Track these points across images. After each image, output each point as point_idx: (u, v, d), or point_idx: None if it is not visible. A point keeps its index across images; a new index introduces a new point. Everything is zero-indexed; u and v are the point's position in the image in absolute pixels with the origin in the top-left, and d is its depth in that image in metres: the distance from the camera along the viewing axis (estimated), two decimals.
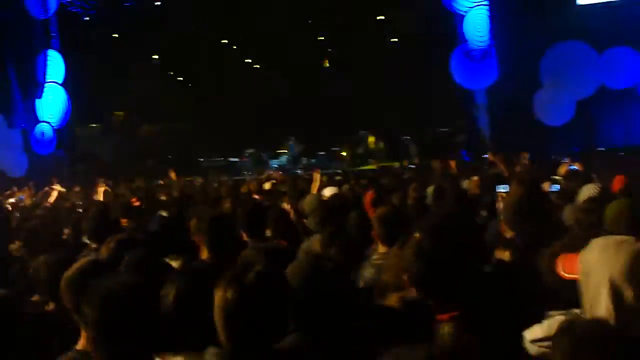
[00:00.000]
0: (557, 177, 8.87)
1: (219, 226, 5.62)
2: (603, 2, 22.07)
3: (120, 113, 30.64)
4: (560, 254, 3.25)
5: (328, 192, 9.65)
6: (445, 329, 3.10)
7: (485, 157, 15.58)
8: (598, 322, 2.62)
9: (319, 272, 3.56)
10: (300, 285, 3.37)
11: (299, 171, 22.87)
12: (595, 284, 2.72)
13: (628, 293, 2.63)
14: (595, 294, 2.72)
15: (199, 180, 20.18)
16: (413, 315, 3.44)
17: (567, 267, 3.10)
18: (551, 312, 3.06)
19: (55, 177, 17.10)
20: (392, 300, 3.67)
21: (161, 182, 17.87)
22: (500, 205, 6.87)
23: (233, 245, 5.52)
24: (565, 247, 3.43)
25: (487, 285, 3.86)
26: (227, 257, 5.07)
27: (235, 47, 30.34)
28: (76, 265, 3.86)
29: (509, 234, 4.76)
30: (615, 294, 2.64)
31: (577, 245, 3.03)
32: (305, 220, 7.56)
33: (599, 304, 2.69)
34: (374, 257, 5.31)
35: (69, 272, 3.77)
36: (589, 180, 7.75)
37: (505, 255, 4.44)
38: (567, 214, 5.80)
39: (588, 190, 6.31)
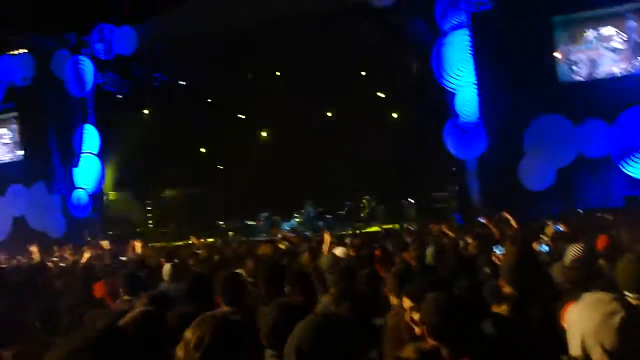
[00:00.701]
0: (544, 238, 8.84)
1: (232, 283, 5.62)
2: (580, 80, 22.23)
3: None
4: (565, 305, 3.27)
5: (339, 252, 9.61)
6: None
7: (478, 220, 15.54)
8: None
9: (326, 328, 3.54)
10: (307, 340, 3.36)
11: (307, 233, 22.73)
12: (572, 337, 2.73)
13: (595, 350, 2.61)
14: (573, 347, 2.72)
15: (217, 241, 20.16)
16: None
17: (563, 317, 3.09)
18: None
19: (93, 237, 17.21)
20: (409, 350, 3.66)
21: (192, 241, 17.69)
22: (497, 263, 6.88)
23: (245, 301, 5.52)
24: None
25: (491, 335, 3.87)
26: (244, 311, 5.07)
27: (248, 119, 30.46)
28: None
29: (507, 290, 4.74)
30: (585, 351, 2.63)
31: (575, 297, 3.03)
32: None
33: (574, 357, 2.69)
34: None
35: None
36: (575, 241, 7.73)
37: (502, 309, 4.43)
38: (556, 272, 5.78)
39: (573, 250, 6.26)
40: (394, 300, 5.31)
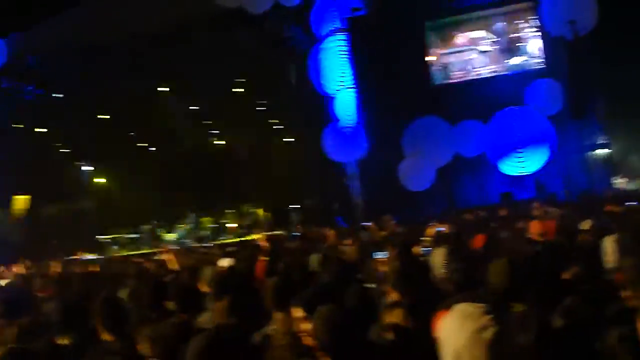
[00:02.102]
0: (425, 239, 8.93)
1: (112, 306, 5.37)
2: (454, 82, 22.78)
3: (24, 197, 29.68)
4: (438, 313, 3.26)
5: (224, 263, 9.47)
6: None
7: (361, 224, 15.71)
8: None
9: (214, 345, 3.49)
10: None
11: (191, 244, 22.44)
12: (444, 351, 2.71)
13: None
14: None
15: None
16: None
17: (434, 327, 3.10)
18: None
19: None
20: None
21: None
22: (379, 269, 6.90)
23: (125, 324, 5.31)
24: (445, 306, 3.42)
25: (385, 344, 3.87)
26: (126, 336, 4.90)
27: (127, 133, 29.85)
28: None
29: (394, 296, 4.74)
30: None
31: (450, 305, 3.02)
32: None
33: None
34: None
35: None
36: (455, 241, 7.85)
37: (394, 316, 4.42)
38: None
39: (438, 254, 6.21)
40: (276, 314, 5.22)
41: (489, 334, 2.58)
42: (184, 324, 4.98)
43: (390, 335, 4.07)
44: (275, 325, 4.97)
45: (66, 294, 8.30)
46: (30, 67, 25.72)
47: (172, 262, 11.08)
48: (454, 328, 2.67)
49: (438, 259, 5.82)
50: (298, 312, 4.21)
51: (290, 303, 4.51)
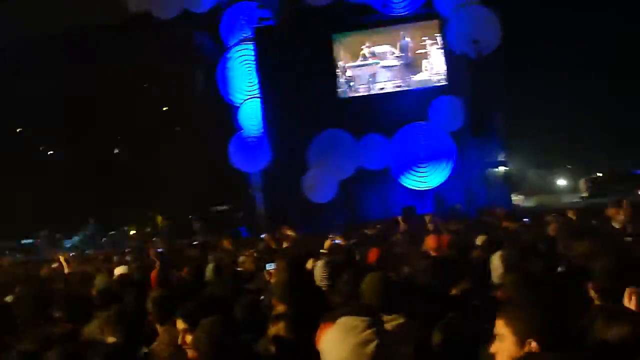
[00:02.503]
0: (323, 251, 8.93)
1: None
2: (359, 95, 22.95)
3: None
4: (322, 325, 3.23)
5: (118, 271, 9.26)
6: None
7: (259, 236, 15.68)
8: None
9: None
10: None
11: (88, 251, 21.96)
12: None
13: None
14: None
15: None
16: None
17: (319, 339, 3.05)
18: None
19: None
20: None
21: None
22: (270, 281, 6.87)
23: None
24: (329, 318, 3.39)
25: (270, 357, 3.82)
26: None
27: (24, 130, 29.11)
28: None
29: (280, 308, 4.70)
30: None
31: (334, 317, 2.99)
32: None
33: None
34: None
35: None
36: (351, 254, 7.87)
37: (278, 328, 4.37)
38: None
39: (318, 267, 6.16)
40: (160, 327, 5.10)
41: (370, 348, 2.56)
42: (65, 335, 4.84)
43: (273, 348, 4.03)
44: (160, 338, 4.87)
45: None
46: None
47: (65, 269, 10.83)
48: (336, 341, 2.64)
49: (322, 270, 5.83)
50: (180, 324, 4.14)
51: (174, 315, 4.43)
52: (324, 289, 5.63)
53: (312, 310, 4.38)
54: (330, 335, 2.70)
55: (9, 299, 7.44)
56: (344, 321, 2.72)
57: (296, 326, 4.25)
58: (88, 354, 3.67)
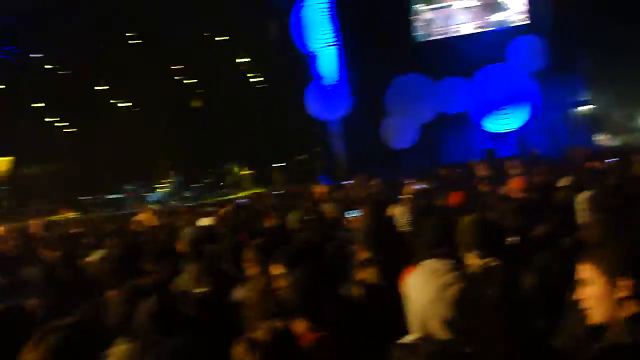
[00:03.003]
0: (404, 197, 8.92)
1: (107, 266, 5.38)
2: (437, 39, 22.65)
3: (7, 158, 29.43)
4: (405, 270, 3.23)
5: (203, 222, 9.43)
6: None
7: (341, 183, 15.69)
8: (436, 343, 2.46)
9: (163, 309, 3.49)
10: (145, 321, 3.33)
11: (173, 204, 22.42)
12: (410, 308, 2.68)
13: (433, 321, 2.57)
14: (411, 318, 2.67)
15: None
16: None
17: (400, 284, 3.05)
18: None
19: None
20: (261, 330, 3.58)
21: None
22: (350, 226, 6.91)
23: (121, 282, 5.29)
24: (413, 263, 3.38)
25: (354, 305, 3.85)
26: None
27: (106, 90, 29.61)
28: None
29: (364, 254, 4.72)
30: (423, 321, 2.59)
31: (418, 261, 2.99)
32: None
33: (412, 327, 2.64)
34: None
35: None
36: (432, 199, 7.84)
37: (364, 273, 4.40)
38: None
39: (399, 212, 6.16)
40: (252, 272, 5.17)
41: (453, 290, 2.56)
42: (156, 285, 4.96)
43: (359, 292, 4.06)
44: (249, 285, 4.95)
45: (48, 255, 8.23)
46: (6, 27, 25.41)
47: (151, 222, 11.06)
48: (420, 284, 2.65)
49: (406, 215, 5.82)
50: (277, 269, 4.16)
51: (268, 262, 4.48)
52: (406, 233, 5.62)
53: (395, 255, 4.39)
54: (413, 278, 2.71)
55: (99, 253, 7.64)
56: (427, 265, 2.73)
57: (381, 271, 4.28)
58: (180, 302, 3.76)
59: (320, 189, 12.63)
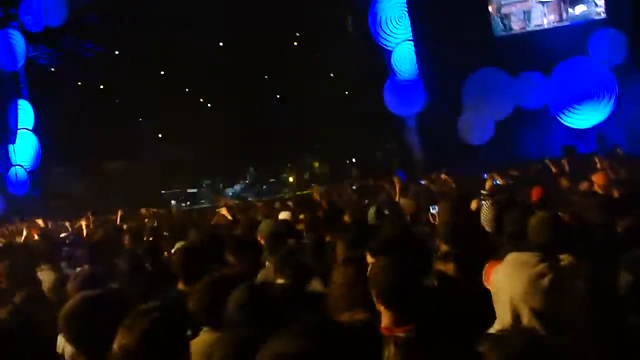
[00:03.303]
0: (484, 193, 8.87)
1: (189, 257, 5.48)
2: (515, 33, 22.35)
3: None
4: (489, 264, 3.22)
5: (282, 216, 9.52)
6: (392, 349, 3.08)
7: (419, 181, 15.63)
8: (529, 334, 2.46)
9: (254, 299, 3.54)
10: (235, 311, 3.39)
11: (250, 198, 22.68)
12: (499, 300, 2.64)
13: (524, 313, 2.53)
14: (500, 310, 2.64)
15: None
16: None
17: (486, 277, 3.03)
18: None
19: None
20: (343, 319, 3.62)
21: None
22: (433, 221, 6.90)
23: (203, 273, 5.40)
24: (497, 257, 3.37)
25: (437, 298, 3.86)
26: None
27: (188, 89, 30.09)
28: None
29: (444, 248, 4.73)
30: (514, 314, 2.55)
31: (501, 256, 2.97)
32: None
33: (502, 320, 2.61)
34: None
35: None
36: (513, 194, 7.77)
37: (447, 267, 4.41)
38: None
39: (485, 206, 6.07)
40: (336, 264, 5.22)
41: (546, 280, 2.54)
42: (239, 276, 5.04)
43: (436, 283, 4.07)
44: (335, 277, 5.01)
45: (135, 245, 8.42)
46: (89, 24, 25.98)
47: (229, 215, 11.20)
48: (509, 276, 2.62)
49: (489, 211, 5.77)
50: (370, 259, 4.17)
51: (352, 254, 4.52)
52: (488, 229, 5.61)
53: (476, 250, 4.39)
54: (502, 271, 2.69)
55: (179, 244, 7.80)
56: (514, 257, 2.71)
57: (460, 265, 4.29)
58: (265, 292, 3.82)
59: (398, 184, 12.59)
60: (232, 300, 3.52)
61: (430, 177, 13.86)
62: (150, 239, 9.67)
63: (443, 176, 13.21)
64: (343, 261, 4.44)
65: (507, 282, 2.61)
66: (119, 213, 14.97)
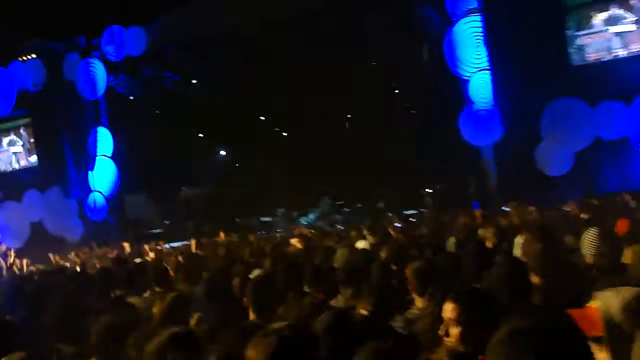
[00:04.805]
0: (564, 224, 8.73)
1: (262, 288, 5.47)
2: (595, 62, 22.01)
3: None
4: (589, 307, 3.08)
5: (360, 245, 9.49)
6: None
7: (501, 209, 15.44)
8: None
9: (340, 325, 3.51)
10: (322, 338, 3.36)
11: (325, 228, 22.67)
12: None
13: None
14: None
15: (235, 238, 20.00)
16: None
17: (587, 322, 2.77)
18: None
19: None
20: (441, 353, 3.55)
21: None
22: (517, 253, 6.77)
23: (275, 304, 5.39)
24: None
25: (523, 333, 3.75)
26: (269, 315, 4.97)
27: (264, 118, 30.48)
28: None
29: (535, 280, 4.62)
30: None
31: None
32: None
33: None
34: (411, 310, 5.16)
35: None
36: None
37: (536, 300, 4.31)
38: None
39: (589, 236, 5.95)
40: (418, 301, 5.16)
41: None
42: (319, 304, 5.02)
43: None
44: (417, 310, 4.94)
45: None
46: (168, 54, 26.50)
47: (304, 244, 11.21)
48: (617, 310, 2.52)
49: (595, 240, 5.63)
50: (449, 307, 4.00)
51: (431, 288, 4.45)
52: (589, 260, 5.43)
53: (567, 282, 4.29)
54: (607, 305, 2.58)
55: (257, 272, 7.82)
56: (620, 291, 2.60)
57: (550, 298, 4.18)
58: (349, 321, 3.78)
59: (476, 214, 12.48)
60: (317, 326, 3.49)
61: (513, 207, 13.63)
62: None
63: (523, 205, 13.01)
64: (431, 294, 4.37)
65: (614, 315, 2.50)
66: (193, 242, 15.06)
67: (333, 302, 5.93)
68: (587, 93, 20.70)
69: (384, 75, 27.37)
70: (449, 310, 3.67)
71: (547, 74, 20.88)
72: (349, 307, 5.28)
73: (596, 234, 5.56)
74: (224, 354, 3.23)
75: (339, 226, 23.26)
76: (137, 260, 13.48)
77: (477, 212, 12.61)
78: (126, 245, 17.17)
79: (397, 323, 5.02)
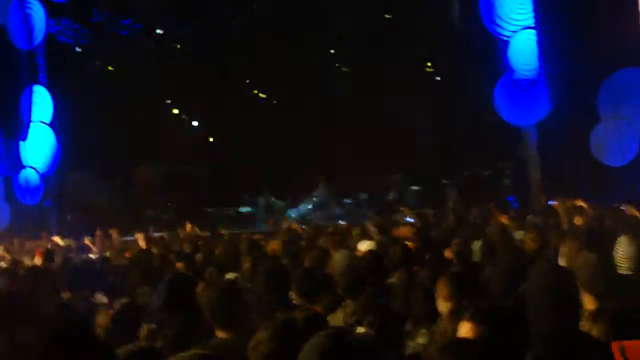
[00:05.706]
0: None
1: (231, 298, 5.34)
2: None
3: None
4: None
5: (363, 247, 9.38)
6: None
7: (548, 204, 15.44)
8: None
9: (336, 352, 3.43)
10: None
11: (320, 222, 22.63)
12: None
13: None
14: None
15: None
16: None
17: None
18: None
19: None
20: None
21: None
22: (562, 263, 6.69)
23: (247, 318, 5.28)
24: None
25: None
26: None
27: (248, 80, 30.40)
28: None
29: (588, 300, 4.55)
30: None
31: None
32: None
33: None
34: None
35: None
36: None
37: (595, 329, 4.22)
38: None
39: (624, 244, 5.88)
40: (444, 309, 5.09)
41: None
42: (312, 319, 4.91)
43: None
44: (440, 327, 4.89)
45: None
46: None
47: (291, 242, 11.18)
48: None
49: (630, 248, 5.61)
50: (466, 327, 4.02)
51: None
52: (625, 271, 5.40)
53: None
54: None
55: (230, 276, 7.76)
56: None
57: (614, 326, 4.09)
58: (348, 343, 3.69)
59: (510, 212, 12.47)
60: (309, 350, 3.39)
61: (559, 204, 13.57)
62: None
63: (579, 202, 12.95)
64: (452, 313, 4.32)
65: None
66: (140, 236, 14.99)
67: (330, 318, 5.86)
68: None
69: (405, 34, 27.30)
70: (464, 331, 3.66)
71: (610, 36, 20.78)
72: (351, 324, 5.25)
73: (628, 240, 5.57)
74: None
75: (339, 221, 23.24)
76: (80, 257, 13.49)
77: (513, 210, 12.58)
78: (57, 239, 17.08)
79: (420, 339, 4.99)
